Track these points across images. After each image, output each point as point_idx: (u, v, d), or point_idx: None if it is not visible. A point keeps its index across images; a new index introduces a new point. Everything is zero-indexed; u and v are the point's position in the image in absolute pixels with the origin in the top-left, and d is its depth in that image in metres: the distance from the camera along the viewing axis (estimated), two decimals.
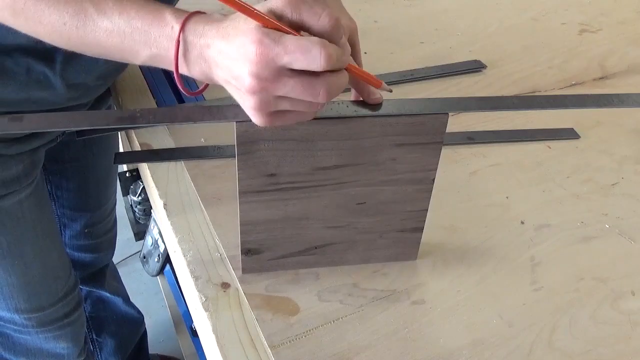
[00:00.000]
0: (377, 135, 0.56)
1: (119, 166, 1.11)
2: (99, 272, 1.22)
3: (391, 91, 0.56)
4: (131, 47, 0.50)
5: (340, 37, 0.47)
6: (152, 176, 0.78)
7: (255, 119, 0.48)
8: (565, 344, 0.60)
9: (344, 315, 0.61)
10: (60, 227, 1.10)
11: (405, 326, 0.61)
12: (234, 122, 0.53)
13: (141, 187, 1.58)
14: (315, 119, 0.54)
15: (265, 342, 0.58)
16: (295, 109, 0.48)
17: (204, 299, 0.63)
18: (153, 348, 1.47)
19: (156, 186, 0.76)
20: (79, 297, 1.00)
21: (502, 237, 0.71)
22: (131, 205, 1.69)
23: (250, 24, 0.45)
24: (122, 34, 0.50)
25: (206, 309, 0.62)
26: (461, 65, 1.05)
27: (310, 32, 0.46)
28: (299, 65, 0.44)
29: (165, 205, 0.74)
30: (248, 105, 0.47)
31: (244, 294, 0.63)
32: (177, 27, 0.48)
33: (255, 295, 0.62)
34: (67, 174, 1.03)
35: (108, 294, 1.25)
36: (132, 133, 0.86)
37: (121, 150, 1.18)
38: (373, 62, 1.05)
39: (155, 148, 0.82)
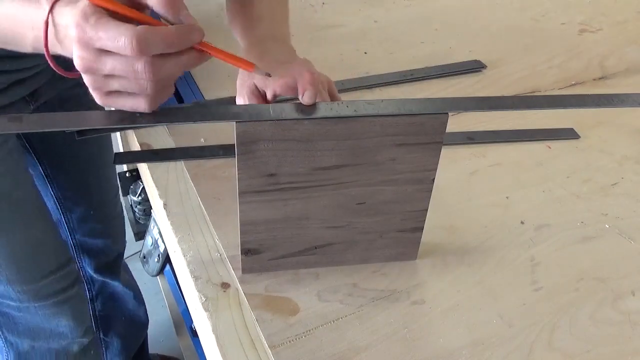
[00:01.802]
0: (377, 135, 0.56)
1: (119, 166, 1.11)
2: (113, 262, 1.23)
3: (270, 75, 0.56)
4: (19, 31, 0.53)
5: (177, 14, 0.48)
6: (152, 176, 0.78)
7: (96, 98, 0.51)
8: (565, 344, 0.60)
9: (344, 315, 0.61)
10: (65, 211, 1.10)
11: (405, 326, 0.61)
12: (234, 122, 0.53)
13: (141, 187, 1.58)
14: (315, 119, 0.54)
15: (265, 342, 0.58)
16: (125, 89, 0.49)
17: (204, 299, 0.63)
18: (153, 348, 1.47)
19: (156, 186, 0.76)
20: (76, 275, 1.00)
21: (502, 237, 0.71)
22: (131, 205, 1.69)
23: (82, 3, 0.47)
24: (13, 17, 0.52)
25: (206, 309, 0.62)
26: (461, 65, 1.05)
27: (149, 7, 0.48)
28: (112, 50, 0.46)
29: (165, 205, 0.74)
30: (86, 83, 0.50)
31: (244, 294, 0.63)
32: (47, 8, 0.50)
33: (255, 295, 0.62)
34: (58, 153, 1.03)
35: (121, 287, 1.26)
36: (132, 133, 0.86)
37: (120, 149, 1.18)
38: (373, 62, 1.05)
39: (155, 148, 0.82)
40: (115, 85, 0.49)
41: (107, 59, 0.47)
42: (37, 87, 0.86)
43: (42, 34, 0.51)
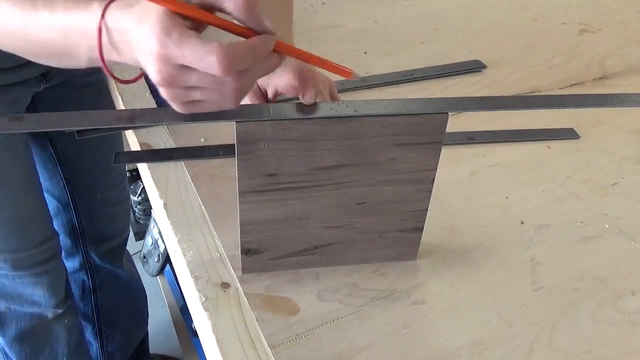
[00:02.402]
0: (377, 135, 0.56)
1: None
2: (118, 248, 1.24)
3: (362, 79, 0.56)
4: (72, 42, 0.50)
5: (257, 17, 0.46)
6: (152, 176, 0.78)
7: (175, 107, 0.49)
8: (565, 344, 0.60)
9: (344, 315, 0.61)
10: (73, 194, 1.11)
11: (405, 326, 0.61)
12: (234, 122, 0.53)
13: (141, 187, 1.58)
14: (315, 118, 0.54)
15: (265, 342, 0.58)
16: (207, 98, 0.48)
17: (204, 299, 0.63)
18: (153, 348, 1.47)
19: (156, 186, 0.76)
20: (57, 249, 1.03)
21: (502, 237, 0.71)
22: (131, 205, 1.69)
23: (156, 11, 0.44)
24: (65, 29, 0.50)
25: (206, 309, 0.62)
26: (461, 65, 1.05)
27: (224, 11, 0.45)
28: (197, 68, 0.44)
29: (165, 205, 0.73)
30: (163, 95, 0.48)
31: (244, 294, 0.63)
32: (99, 13, 0.48)
33: (255, 295, 0.62)
34: (69, 136, 1.03)
35: (124, 276, 1.27)
36: (132, 133, 0.86)
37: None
38: (373, 62, 1.05)
39: (155, 148, 0.82)
40: (197, 95, 0.47)
41: (191, 74, 0.45)
42: (48, 70, 0.86)
43: (96, 42, 0.48)
